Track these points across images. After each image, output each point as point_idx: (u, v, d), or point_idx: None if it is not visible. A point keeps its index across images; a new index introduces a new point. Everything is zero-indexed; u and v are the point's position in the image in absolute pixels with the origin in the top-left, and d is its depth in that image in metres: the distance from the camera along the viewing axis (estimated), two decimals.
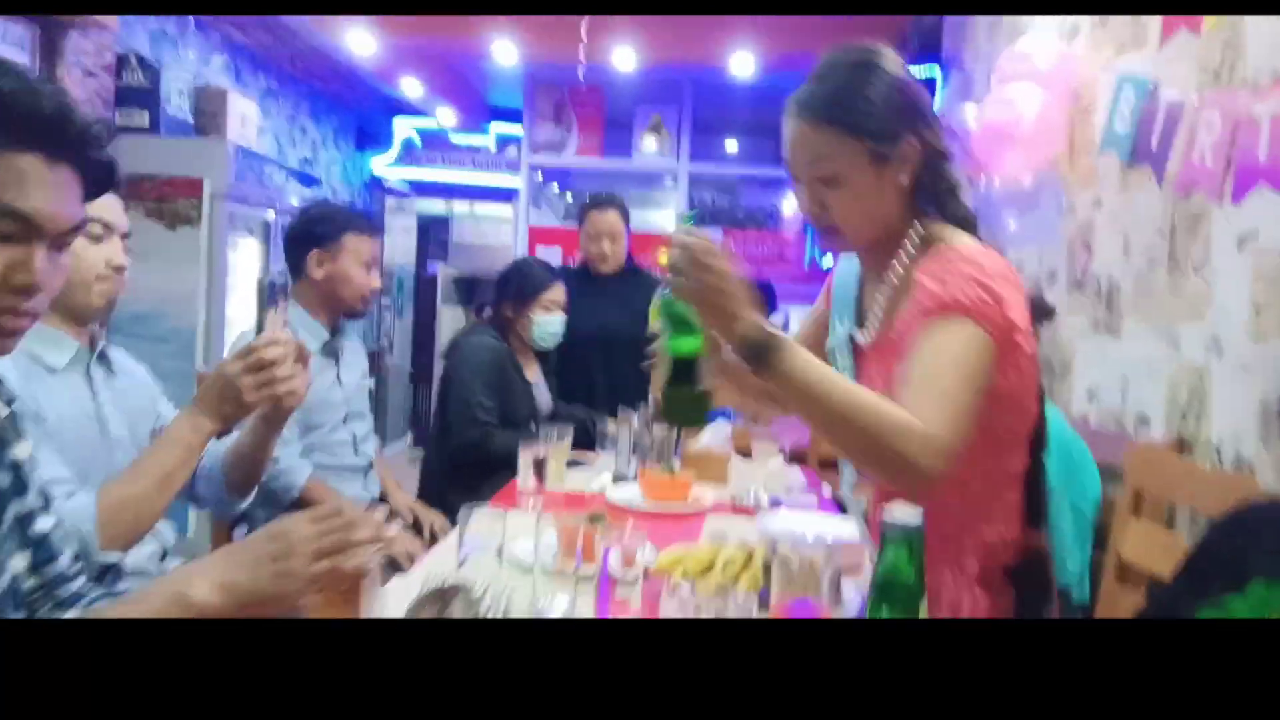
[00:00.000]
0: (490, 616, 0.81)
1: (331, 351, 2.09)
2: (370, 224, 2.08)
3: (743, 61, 4.63)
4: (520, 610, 1.03)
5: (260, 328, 1.37)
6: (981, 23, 3.32)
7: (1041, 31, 2.67)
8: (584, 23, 3.44)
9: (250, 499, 1.45)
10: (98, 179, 0.82)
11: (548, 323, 2.49)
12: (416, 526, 2.14)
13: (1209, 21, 1.83)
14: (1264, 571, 0.90)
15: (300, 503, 1.93)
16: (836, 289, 1.39)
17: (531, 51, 4.80)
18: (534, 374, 2.59)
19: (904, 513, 0.84)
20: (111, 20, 3.52)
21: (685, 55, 4.87)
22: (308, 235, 2.04)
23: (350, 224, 2.03)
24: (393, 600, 0.96)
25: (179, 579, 0.81)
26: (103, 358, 1.38)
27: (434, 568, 1.24)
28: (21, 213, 0.74)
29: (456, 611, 0.82)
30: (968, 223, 1.23)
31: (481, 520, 1.20)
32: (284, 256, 2.08)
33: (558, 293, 2.52)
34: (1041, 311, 1.97)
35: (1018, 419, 1.19)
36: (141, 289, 3.66)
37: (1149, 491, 1.73)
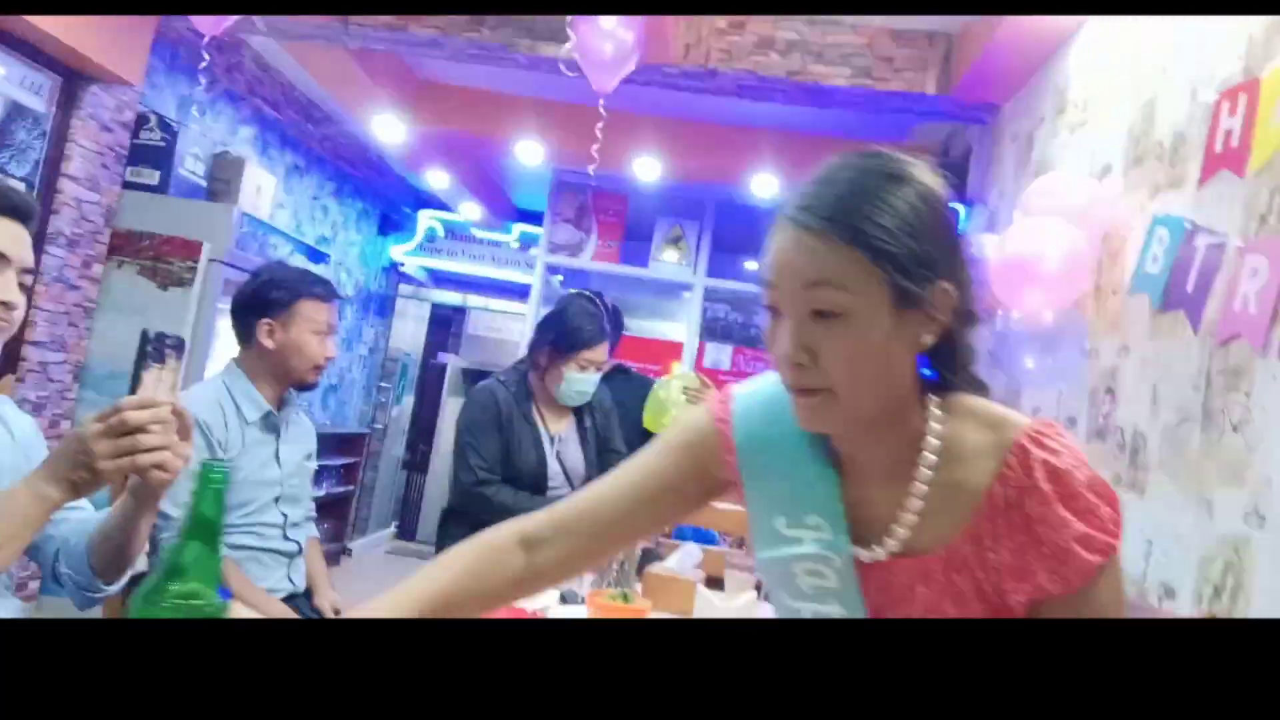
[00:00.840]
0: None
1: (272, 426, 1.92)
2: (327, 289, 1.94)
3: (765, 182, 4.61)
4: None
5: (134, 387, 1.17)
6: (1008, 159, 3.24)
7: (1072, 168, 2.56)
8: (600, 127, 3.43)
9: (120, 585, 1.24)
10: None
11: (579, 381, 2.30)
12: None
13: (1254, 163, 1.70)
14: None
15: None
16: (759, 467, 0.95)
17: (558, 153, 4.81)
18: (564, 428, 2.37)
19: None
20: (136, 78, 3.53)
21: (709, 173, 4.88)
22: (259, 301, 1.90)
23: (305, 289, 1.89)
24: None
25: (29, 484, 1.01)
26: None
27: None
28: None
29: None
30: (983, 389, 0.93)
31: None
32: (232, 321, 1.94)
33: (600, 352, 2.34)
34: None
35: None
36: (120, 346, 3.56)
37: None
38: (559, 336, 2.32)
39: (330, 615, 1.91)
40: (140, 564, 1.30)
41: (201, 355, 3.59)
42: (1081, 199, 2.25)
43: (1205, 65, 1.92)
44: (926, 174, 0.87)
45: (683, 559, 1.99)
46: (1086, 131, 2.54)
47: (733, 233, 5.90)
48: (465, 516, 2.17)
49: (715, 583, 1.94)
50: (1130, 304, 2.07)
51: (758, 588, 1.91)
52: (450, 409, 7.15)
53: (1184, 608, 1.68)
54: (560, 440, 2.34)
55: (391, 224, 6.79)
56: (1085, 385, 2.24)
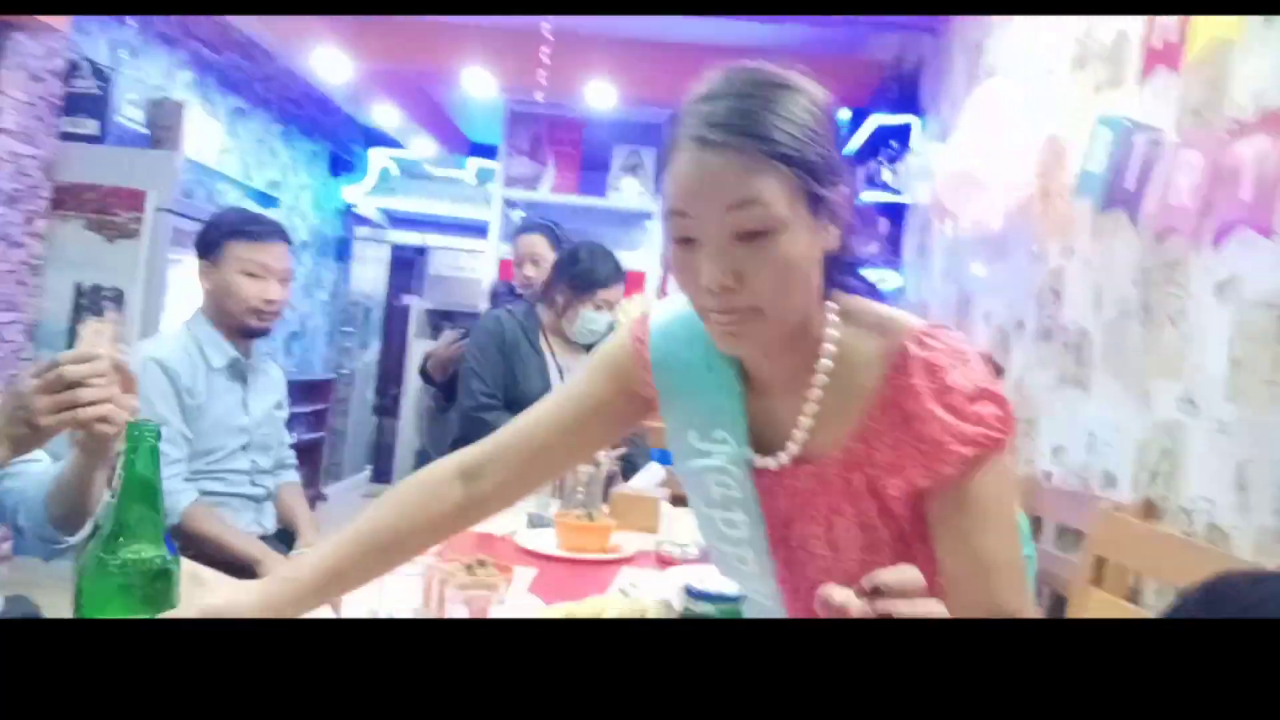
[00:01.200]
0: None
1: (239, 374, 1.91)
2: (261, 228, 1.89)
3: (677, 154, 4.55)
4: None
5: (71, 340, 1.15)
6: (959, 69, 3.23)
7: (1020, 73, 2.57)
8: (546, 53, 3.36)
9: (80, 535, 1.24)
10: None
11: (593, 320, 2.29)
12: None
13: (1190, 57, 1.72)
14: None
15: (180, 531, 1.73)
16: (672, 384, 0.97)
17: (510, 84, 4.71)
18: (573, 362, 2.37)
19: (719, 583, 0.70)
20: (63, 23, 3.39)
21: (666, 96, 4.80)
22: (197, 244, 1.88)
23: (235, 230, 1.85)
24: None
25: None
26: None
27: None
28: None
29: None
30: (875, 295, 0.93)
31: None
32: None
33: (616, 292, 2.34)
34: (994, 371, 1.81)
35: None
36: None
37: (1112, 559, 1.56)
38: (576, 275, 2.32)
39: None
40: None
41: (155, 307, 3.53)
42: (1026, 103, 2.26)
43: None
44: (807, 81, 0.85)
45: (646, 478, 2.04)
46: (1033, 36, 2.53)
47: None
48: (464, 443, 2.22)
49: (680, 500, 1.99)
50: (1074, 206, 2.10)
51: None
52: (418, 351, 7.12)
53: (1124, 494, 1.76)
54: (569, 371, 2.34)
55: (343, 164, 6.64)
56: (1032, 288, 2.29)
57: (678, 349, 0.96)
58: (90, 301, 1.09)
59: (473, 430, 2.17)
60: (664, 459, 2.23)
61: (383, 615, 1.06)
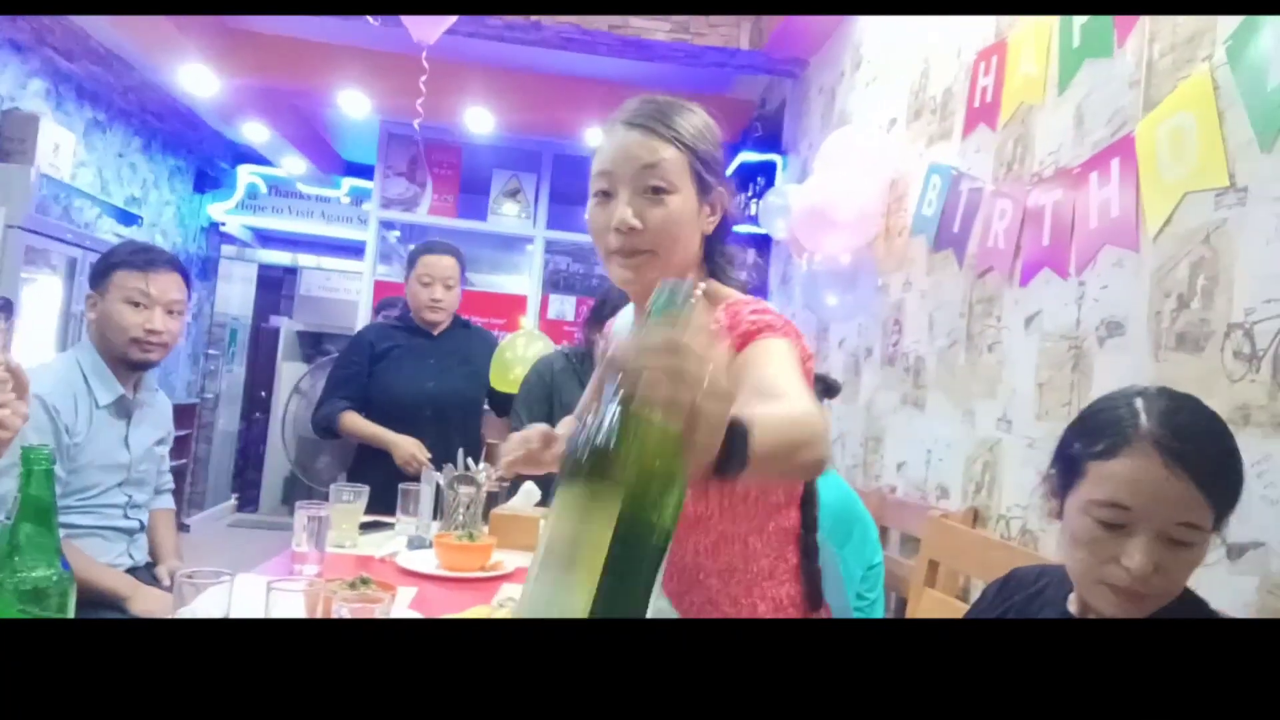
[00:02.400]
0: None
1: (123, 411, 1.87)
2: (147, 257, 1.87)
3: (599, 136, 4.69)
4: None
5: (65, 343, 1.22)
6: (815, 111, 3.49)
7: (866, 120, 2.81)
8: (424, 80, 3.39)
9: None
10: None
11: None
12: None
13: (1003, 116, 1.96)
14: None
15: None
16: (622, 329, 1.36)
17: (385, 106, 4.71)
18: None
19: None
20: None
21: (543, 125, 4.91)
22: (89, 277, 1.86)
23: (122, 259, 1.84)
24: None
25: None
26: None
27: None
28: None
29: None
30: (743, 289, 1.20)
31: (214, 590, 1.05)
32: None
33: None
34: (828, 389, 2.00)
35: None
36: None
37: (944, 561, 1.75)
38: (594, 308, 2.46)
39: (166, 583, 1.89)
40: None
41: (7, 328, 3.35)
42: (871, 150, 2.49)
43: (968, 28, 2.17)
44: (704, 109, 1.18)
45: (524, 499, 2.12)
46: (878, 86, 2.78)
47: (571, 185, 5.97)
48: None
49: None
50: (912, 243, 2.33)
51: None
52: (287, 374, 6.91)
53: (955, 503, 1.97)
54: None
55: (209, 181, 6.42)
56: (878, 318, 2.51)
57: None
58: None
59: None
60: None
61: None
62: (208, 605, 1.03)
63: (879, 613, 1.41)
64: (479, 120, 4.62)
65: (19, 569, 0.77)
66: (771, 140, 3.98)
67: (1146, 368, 1.36)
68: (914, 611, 1.77)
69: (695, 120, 1.13)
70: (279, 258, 7.21)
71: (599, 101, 4.66)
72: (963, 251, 2.04)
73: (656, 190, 1.09)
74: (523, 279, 6.07)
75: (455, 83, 4.50)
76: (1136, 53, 1.49)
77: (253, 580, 1.35)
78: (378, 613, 1.00)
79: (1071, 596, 1.00)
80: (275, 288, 7.57)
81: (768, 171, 3.95)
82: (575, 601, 0.62)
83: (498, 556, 1.81)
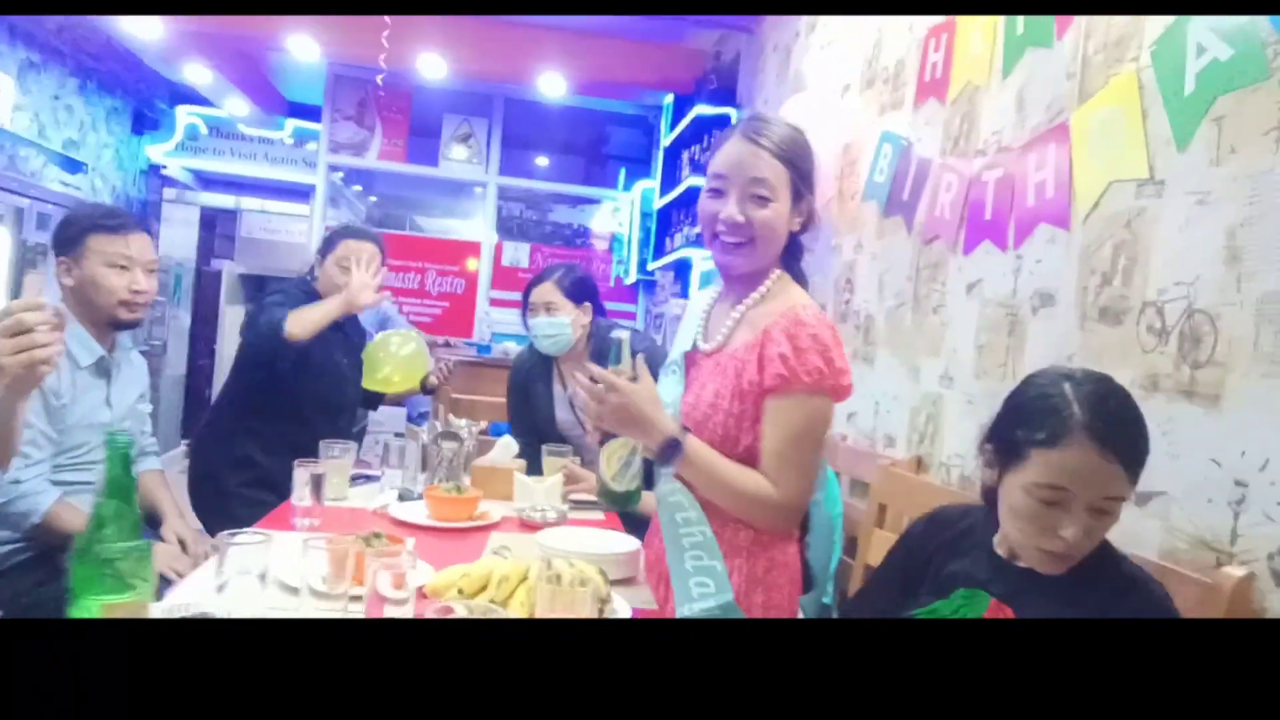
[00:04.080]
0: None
1: (103, 370, 1.93)
2: (120, 220, 1.91)
3: (552, 82, 4.71)
4: None
5: (18, 292, 1.34)
6: (770, 69, 3.58)
7: (820, 83, 2.92)
8: (386, 28, 3.38)
9: (11, 475, 1.35)
10: None
11: (541, 326, 2.38)
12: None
13: (951, 92, 2.09)
14: (942, 561, 1.17)
15: (43, 528, 1.78)
16: (686, 319, 1.58)
17: (334, 49, 4.64)
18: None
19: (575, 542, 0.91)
20: None
21: (496, 70, 4.89)
22: (55, 241, 1.88)
23: (94, 224, 1.88)
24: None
25: None
26: None
27: (188, 594, 1.18)
28: None
29: None
30: (803, 279, 1.49)
31: (245, 545, 1.16)
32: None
33: (539, 293, 2.39)
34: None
35: None
36: None
37: (891, 505, 1.94)
38: (526, 298, 2.44)
39: (175, 545, 1.97)
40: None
41: None
42: (826, 116, 2.61)
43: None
44: (804, 135, 1.44)
45: (501, 451, 2.24)
46: (833, 51, 2.89)
47: (523, 130, 5.96)
48: None
49: (535, 472, 2.21)
50: (864, 208, 2.47)
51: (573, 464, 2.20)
52: (230, 318, 6.85)
53: (900, 451, 2.16)
54: (572, 394, 2.31)
55: (147, 122, 6.23)
56: (831, 277, 2.66)
57: (693, 299, 1.63)
58: (30, 254, 1.31)
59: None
60: (508, 431, 2.45)
61: (296, 584, 1.23)
62: (247, 563, 1.14)
63: (836, 554, 1.59)
64: (432, 66, 4.59)
65: (106, 539, 0.88)
66: (726, 94, 4.06)
67: (1073, 336, 1.53)
68: (865, 550, 1.96)
69: (799, 140, 1.40)
70: (221, 200, 7.06)
71: (552, 47, 4.67)
72: (911, 218, 2.19)
73: (759, 198, 1.36)
74: (475, 224, 6.08)
75: (408, 28, 4.45)
76: (1074, 46, 1.63)
77: (254, 538, 1.45)
78: (404, 565, 1.12)
79: (998, 539, 1.16)
80: (216, 230, 7.42)
81: (722, 125, 4.04)
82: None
83: (483, 507, 1.94)
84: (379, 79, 3.10)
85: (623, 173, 5.98)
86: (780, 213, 1.38)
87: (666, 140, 4.85)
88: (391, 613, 1.10)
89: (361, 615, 1.14)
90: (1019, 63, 1.81)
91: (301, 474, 1.71)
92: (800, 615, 1.41)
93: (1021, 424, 1.06)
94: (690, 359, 1.50)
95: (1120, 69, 1.49)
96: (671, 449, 1.33)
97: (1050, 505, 1.02)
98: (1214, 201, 1.25)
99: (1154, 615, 1.01)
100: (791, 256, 1.48)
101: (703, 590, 1.29)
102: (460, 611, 1.08)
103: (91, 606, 0.86)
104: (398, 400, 3.17)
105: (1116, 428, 1.00)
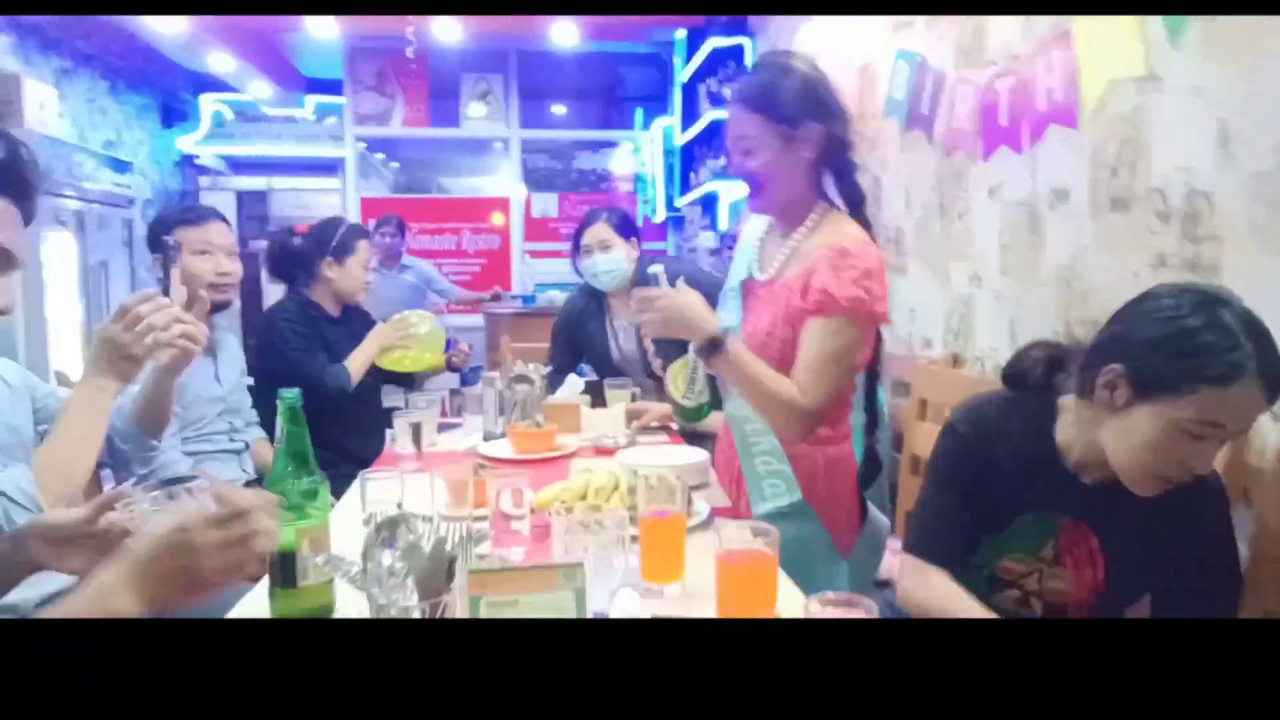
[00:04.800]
0: (427, 541, 0.98)
1: (209, 350, 2.14)
2: (198, 213, 2.12)
3: (565, 31, 4.78)
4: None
5: (166, 288, 1.61)
6: None
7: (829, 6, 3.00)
8: None
9: (162, 442, 1.62)
10: (31, 214, 0.96)
11: (593, 265, 2.54)
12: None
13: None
14: (1004, 478, 1.17)
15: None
16: (741, 246, 1.66)
17: (348, 23, 4.75)
18: (626, 319, 2.56)
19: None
20: None
21: (508, 25, 4.97)
22: (150, 243, 2.09)
23: (178, 219, 2.09)
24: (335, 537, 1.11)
25: (101, 590, 0.81)
26: None
27: (344, 522, 1.39)
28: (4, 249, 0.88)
29: (402, 539, 0.99)
30: (856, 200, 1.53)
31: (381, 479, 1.37)
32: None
33: (592, 233, 2.54)
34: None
35: (864, 357, 1.52)
36: None
37: (931, 399, 2.11)
38: (572, 240, 2.60)
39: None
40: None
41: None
42: (841, 40, 2.70)
43: None
44: (802, 62, 1.48)
45: (568, 390, 2.43)
46: None
47: (541, 82, 6.04)
48: None
49: (600, 404, 2.41)
50: (884, 125, 2.58)
51: (633, 398, 2.39)
52: (273, 296, 7.08)
53: (937, 351, 2.31)
54: (623, 329, 2.58)
55: (175, 114, 6.41)
56: None
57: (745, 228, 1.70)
58: (165, 252, 1.72)
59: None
60: (579, 372, 2.63)
61: (428, 511, 1.43)
62: (385, 494, 1.35)
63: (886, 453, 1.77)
64: (447, 30, 4.68)
65: (292, 477, 1.07)
66: (739, 24, 4.12)
67: (1087, 227, 1.67)
68: (910, 441, 2.13)
69: (770, 82, 1.46)
70: (254, 183, 7.26)
71: None
72: (931, 132, 2.31)
73: (745, 152, 1.48)
74: (501, 180, 6.21)
75: None
76: None
77: (381, 476, 1.66)
78: (518, 483, 1.32)
79: (1069, 448, 1.12)
80: (244, 213, 7.63)
81: (738, 55, 4.11)
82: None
83: (559, 440, 2.14)
84: (409, 51, 3.19)
85: (640, 112, 6.05)
86: (769, 158, 1.45)
87: (683, 75, 4.91)
88: (514, 525, 1.30)
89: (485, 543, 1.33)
90: None
91: (401, 424, 1.92)
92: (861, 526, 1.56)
93: (1187, 355, 0.97)
94: (747, 287, 1.60)
95: None
96: (714, 345, 1.42)
97: (1197, 439, 0.97)
98: (1206, 93, 1.37)
99: (1215, 515, 1.09)
100: (834, 179, 1.52)
101: (774, 490, 1.49)
102: (566, 517, 1.28)
103: (287, 532, 1.06)
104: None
105: (1276, 363, 0.96)
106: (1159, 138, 1.48)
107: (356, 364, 2.52)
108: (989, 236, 2.05)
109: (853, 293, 1.39)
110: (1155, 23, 1.48)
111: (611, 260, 2.52)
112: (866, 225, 1.50)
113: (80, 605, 0.79)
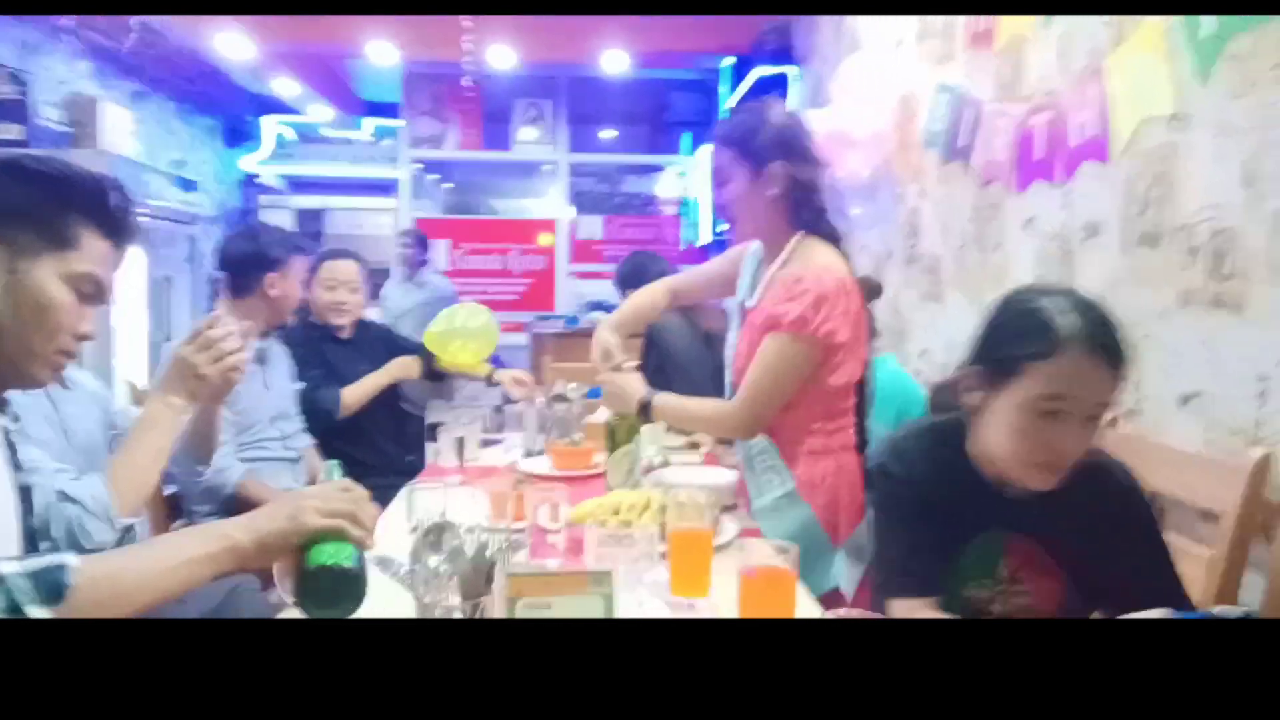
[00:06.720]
0: (470, 547, 1.05)
1: (260, 359, 2.26)
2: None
3: (615, 58, 4.90)
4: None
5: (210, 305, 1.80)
6: (826, 29, 3.70)
7: (873, 45, 3.05)
8: (463, 29, 3.63)
9: (212, 464, 1.74)
10: (124, 255, 1.08)
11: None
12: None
13: (998, 43, 2.23)
14: (943, 506, 1.17)
15: (235, 499, 2.11)
16: (746, 265, 1.80)
17: (407, 49, 4.92)
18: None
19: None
20: None
21: (560, 54, 5.10)
22: (260, 259, 2.21)
23: (293, 248, 2.28)
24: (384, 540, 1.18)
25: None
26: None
27: (389, 532, 1.48)
28: (100, 281, 0.99)
29: (447, 544, 1.06)
30: (833, 237, 1.64)
31: (428, 490, 1.45)
32: (225, 273, 2.24)
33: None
34: (872, 291, 2.34)
35: (844, 376, 1.63)
36: None
37: None
38: (623, 276, 2.83)
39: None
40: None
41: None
42: (884, 72, 2.76)
43: None
44: (775, 110, 1.66)
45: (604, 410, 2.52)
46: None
47: (589, 107, 6.18)
48: None
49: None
50: (925, 156, 2.62)
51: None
52: None
53: None
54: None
55: (238, 135, 6.67)
56: (898, 224, 2.83)
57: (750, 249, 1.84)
58: (214, 287, 2.02)
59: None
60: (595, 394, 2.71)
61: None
62: (431, 506, 1.43)
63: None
64: (502, 57, 4.82)
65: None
66: (783, 53, 4.19)
67: (1118, 261, 1.69)
68: None
69: (746, 122, 1.64)
70: (312, 202, 7.50)
71: (613, 25, 4.84)
72: (969, 163, 2.34)
73: (720, 184, 1.66)
74: (548, 203, 6.35)
75: (477, 22, 4.68)
76: None
77: (427, 488, 1.74)
78: (556, 498, 1.38)
79: (981, 461, 1.14)
80: (309, 229, 7.87)
81: (782, 84, 4.18)
82: None
83: (597, 458, 2.20)
84: (465, 80, 3.32)
85: (688, 137, 6.15)
86: (736, 189, 1.63)
87: (729, 103, 5.00)
88: (550, 539, 1.36)
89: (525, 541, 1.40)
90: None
91: (446, 439, 2.00)
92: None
93: (1009, 342, 1.07)
94: (741, 311, 1.76)
95: (1148, 17, 1.62)
96: (645, 408, 1.73)
97: (1048, 417, 1.04)
98: (1233, 132, 1.40)
99: (1131, 504, 1.12)
100: (807, 216, 1.63)
101: (769, 483, 1.67)
102: (599, 532, 1.34)
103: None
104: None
105: (1102, 333, 1.04)
106: (1187, 175, 1.51)
107: (363, 388, 2.58)
108: (1023, 268, 2.08)
109: (797, 314, 1.53)
110: (1185, 62, 1.51)
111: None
112: (845, 258, 1.64)
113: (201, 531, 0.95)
